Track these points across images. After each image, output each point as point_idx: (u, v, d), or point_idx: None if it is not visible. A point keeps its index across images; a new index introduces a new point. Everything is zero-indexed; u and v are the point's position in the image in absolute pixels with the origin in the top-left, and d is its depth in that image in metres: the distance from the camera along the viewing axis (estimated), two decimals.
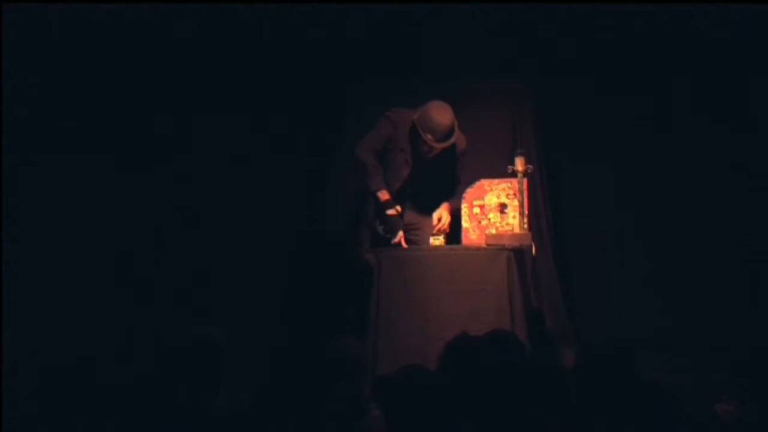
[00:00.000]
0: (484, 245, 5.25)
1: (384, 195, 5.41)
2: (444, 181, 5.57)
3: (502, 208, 5.36)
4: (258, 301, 6.10)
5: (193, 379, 3.40)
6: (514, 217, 5.31)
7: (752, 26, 5.77)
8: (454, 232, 5.50)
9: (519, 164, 5.26)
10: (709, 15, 5.82)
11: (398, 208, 5.43)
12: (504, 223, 5.32)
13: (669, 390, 3.10)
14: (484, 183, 5.39)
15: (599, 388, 3.20)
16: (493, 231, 5.28)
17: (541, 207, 6.14)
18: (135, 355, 5.29)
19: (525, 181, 5.28)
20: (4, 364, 4.56)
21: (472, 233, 5.35)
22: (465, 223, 5.39)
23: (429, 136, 5.34)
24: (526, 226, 5.27)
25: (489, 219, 5.35)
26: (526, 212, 5.28)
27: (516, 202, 5.29)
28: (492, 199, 5.40)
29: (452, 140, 5.38)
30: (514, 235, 5.24)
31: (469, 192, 5.39)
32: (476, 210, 5.35)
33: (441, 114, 5.35)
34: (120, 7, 5.82)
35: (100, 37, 5.85)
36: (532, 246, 5.32)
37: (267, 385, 3.19)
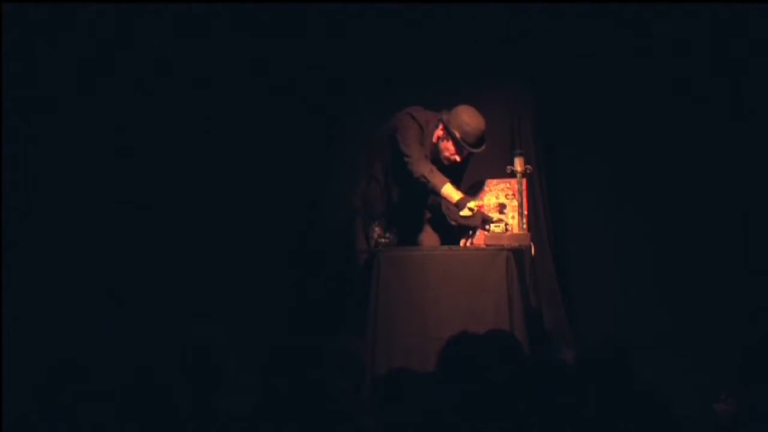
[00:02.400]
0: (483, 245, 5.25)
1: (454, 195, 5.24)
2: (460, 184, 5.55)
3: (501, 208, 5.36)
4: (257, 302, 6.11)
5: (194, 380, 3.42)
6: (513, 217, 5.31)
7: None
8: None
9: (518, 164, 5.26)
10: (699, 14, 5.82)
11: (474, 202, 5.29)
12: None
13: (664, 391, 3.10)
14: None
15: (597, 389, 3.20)
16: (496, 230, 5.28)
17: (540, 207, 6.13)
18: (135, 357, 5.30)
19: (524, 181, 5.28)
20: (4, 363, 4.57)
21: (471, 233, 5.35)
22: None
23: (459, 135, 5.30)
24: (525, 226, 5.27)
25: None
26: (526, 213, 5.28)
27: (515, 203, 5.30)
28: (491, 200, 5.40)
29: (484, 146, 5.35)
30: (514, 236, 5.24)
31: None
32: None
33: (475, 118, 5.32)
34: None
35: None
36: (531, 246, 5.32)
37: (267, 385, 3.19)
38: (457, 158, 5.38)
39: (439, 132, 5.39)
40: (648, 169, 6.07)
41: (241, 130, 6.20)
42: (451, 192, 5.24)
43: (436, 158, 5.41)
